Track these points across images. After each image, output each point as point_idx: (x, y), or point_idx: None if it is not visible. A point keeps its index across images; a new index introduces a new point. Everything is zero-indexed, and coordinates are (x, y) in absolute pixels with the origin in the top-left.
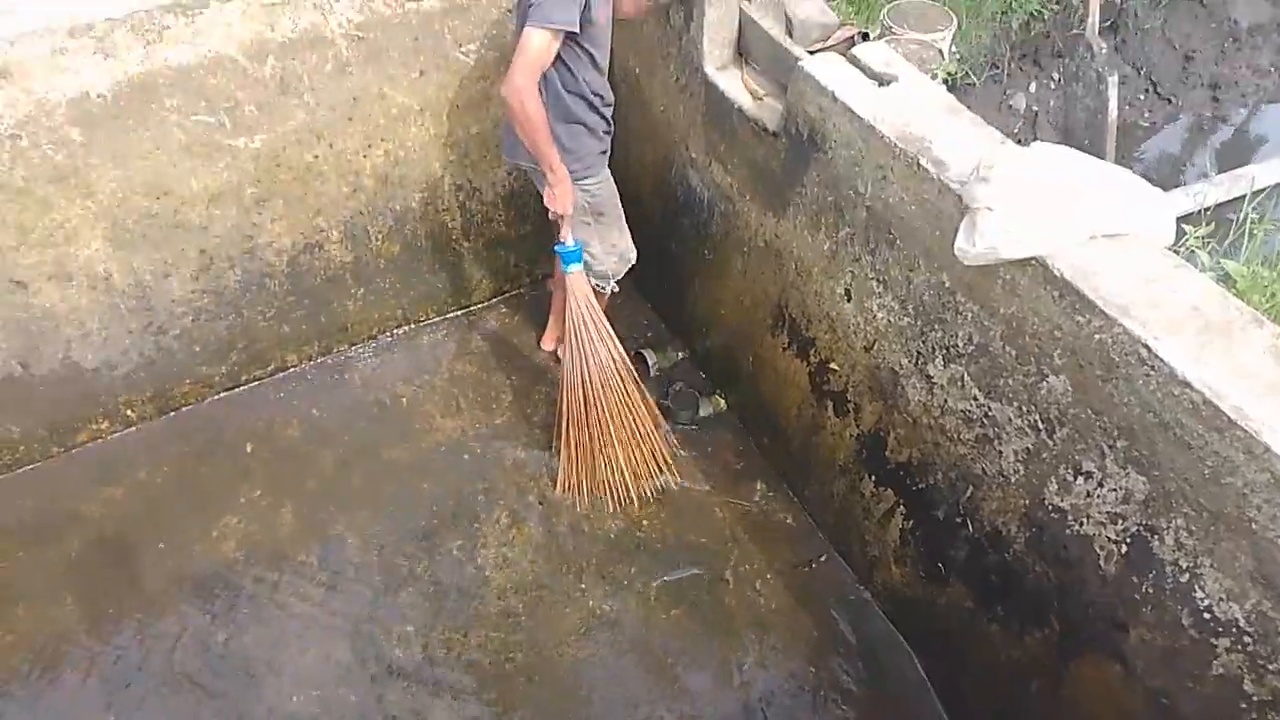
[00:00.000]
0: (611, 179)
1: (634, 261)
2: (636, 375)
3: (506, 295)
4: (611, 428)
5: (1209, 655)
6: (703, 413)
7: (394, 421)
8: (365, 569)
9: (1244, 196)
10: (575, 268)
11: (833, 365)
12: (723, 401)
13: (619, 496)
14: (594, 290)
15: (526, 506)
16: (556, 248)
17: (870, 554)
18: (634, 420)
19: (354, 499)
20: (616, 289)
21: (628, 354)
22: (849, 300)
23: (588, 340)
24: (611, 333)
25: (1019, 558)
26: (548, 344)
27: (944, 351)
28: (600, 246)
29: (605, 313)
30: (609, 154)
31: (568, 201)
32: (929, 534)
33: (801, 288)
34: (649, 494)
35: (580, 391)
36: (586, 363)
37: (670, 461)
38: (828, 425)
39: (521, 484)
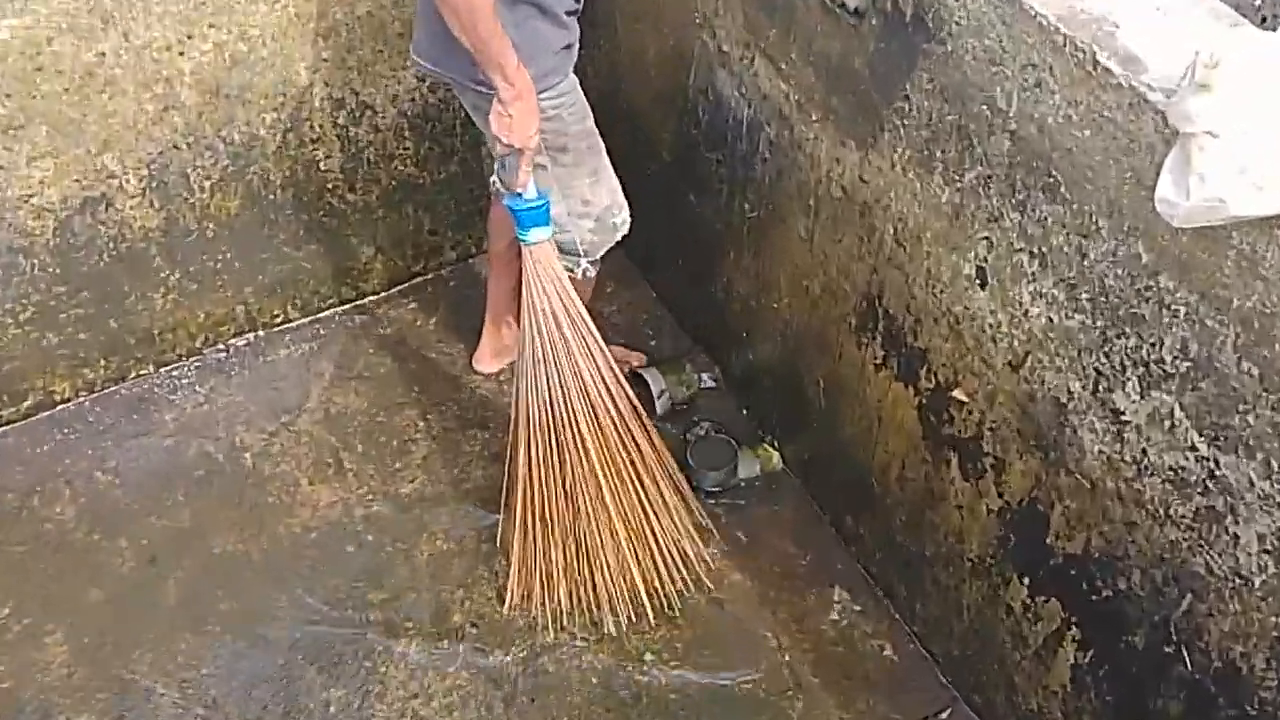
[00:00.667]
0: (581, 94)
1: (625, 228)
2: (639, 410)
3: (415, 282)
4: (598, 499)
5: None
6: (743, 473)
7: (232, 491)
8: None
9: None
10: (540, 235)
11: (958, 394)
12: (775, 454)
13: (609, 612)
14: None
15: (451, 634)
16: (509, 202)
17: (1024, 706)
18: (636, 486)
19: (167, 623)
20: (592, 272)
21: (622, 376)
22: (983, 286)
23: (557, 355)
24: (598, 342)
25: (1273, 714)
26: (485, 363)
27: (1140, 371)
28: (565, 204)
29: (587, 310)
30: (576, 52)
31: (530, 127)
32: (1119, 673)
33: (905, 266)
34: (660, 606)
35: (545, 439)
36: (555, 392)
37: (696, 553)
38: (950, 493)
39: (443, 596)
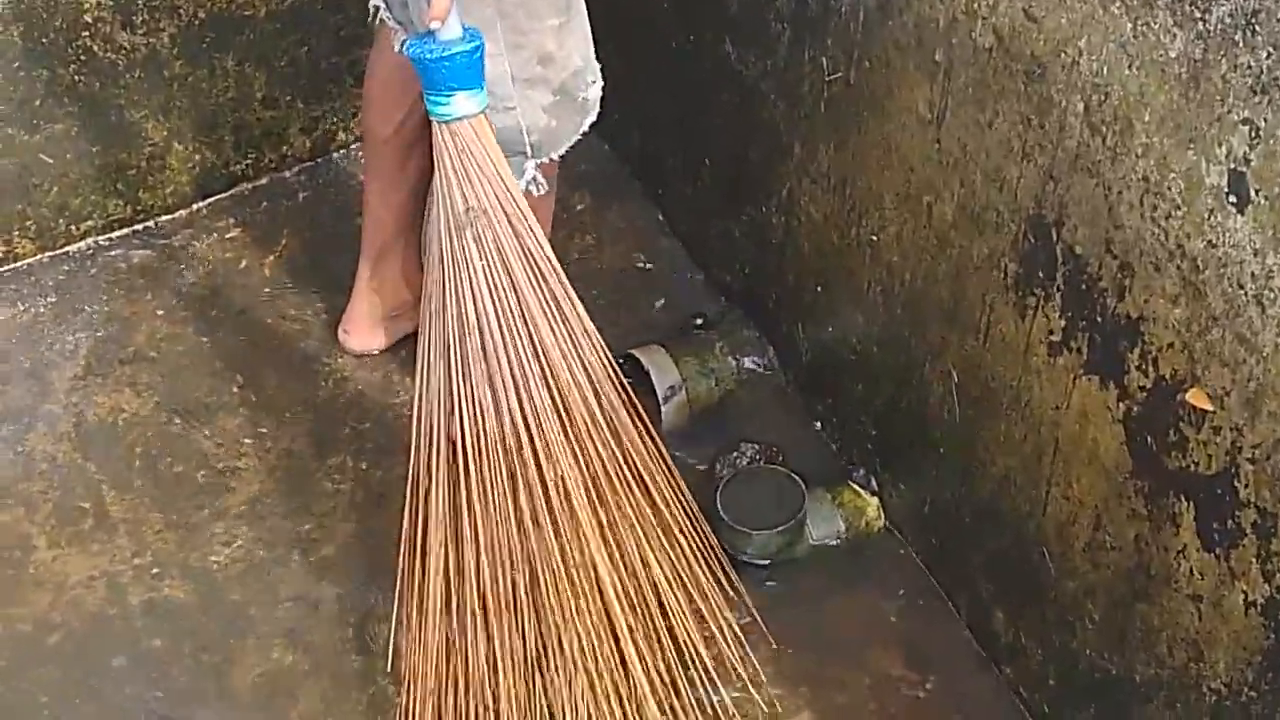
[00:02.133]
0: None
1: (596, 108)
2: (640, 424)
3: (237, 192)
4: (570, 590)
5: None
6: (817, 534)
7: None
8: None
9: None
10: (467, 106)
11: (1195, 398)
12: (872, 502)
13: None
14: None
15: None
16: (411, 47)
17: None
18: (632, 562)
19: None
20: (544, 185)
21: (611, 358)
22: (1241, 207)
23: (495, 326)
24: (569, 303)
25: None
26: (359, 336)
27: None
28: (510, 61)
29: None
30: None
31: None
32: None
33: (1104, 171)
34: None
35: (472, 478)
36: (492, 395)
37: (733, 678)
38: (1180, 574)
39: None
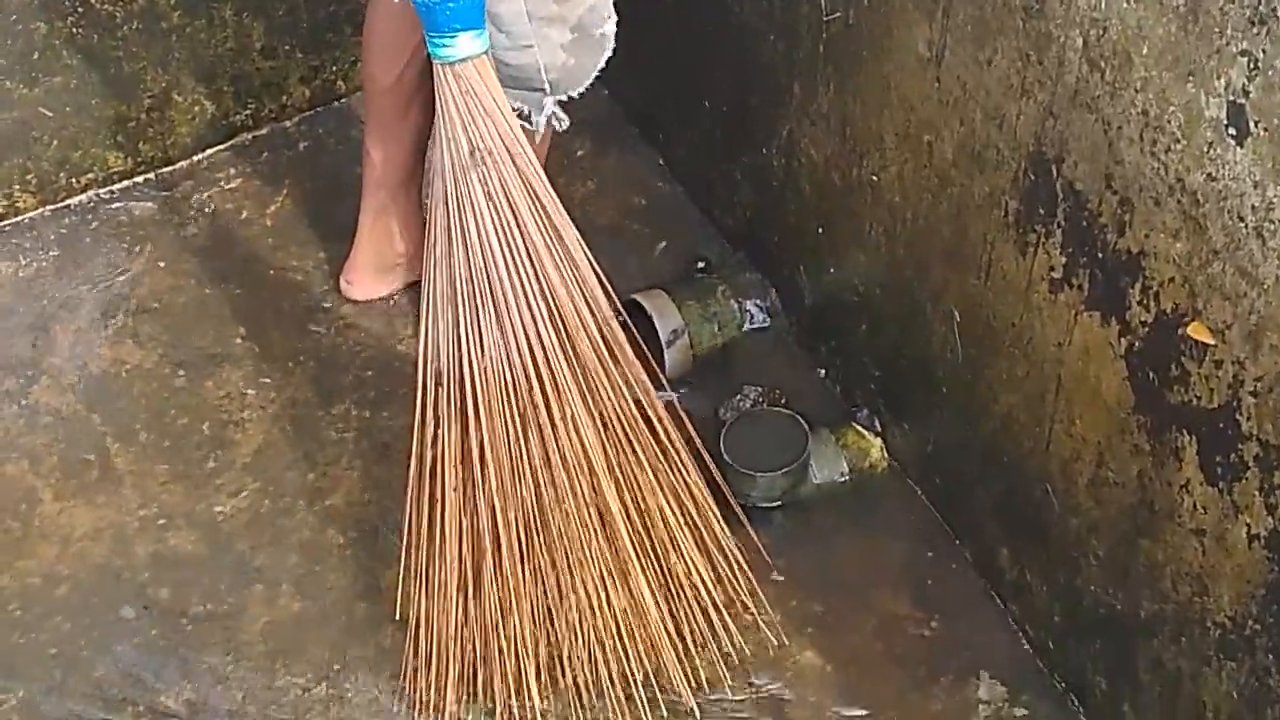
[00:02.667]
0: None
1: (611, 44)
2: (643, 367)
3: (237, 142)
4: (579, 530)
5: None
6: (821, 475)
7: None
8: None
9: None
10: (470, 46)
11: (1196, 332)
12: (875, 443)
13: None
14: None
15: None
16: None
17: None
18: (637, 505)
19: None
20: (565, 122)
21: (614, 307)
22: (1240, 139)
23: (500, 272)
24: (574, 246)
25: None
26: (361, 284)
27: None
28: (527, 1)
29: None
30: None
31: None
32: None
33: (1103, 106)
34: (677, 702)
35: (480, 423)
36: (499, 341)
37: (738, 620)
38: (1183, 508)
39: (292, 700)
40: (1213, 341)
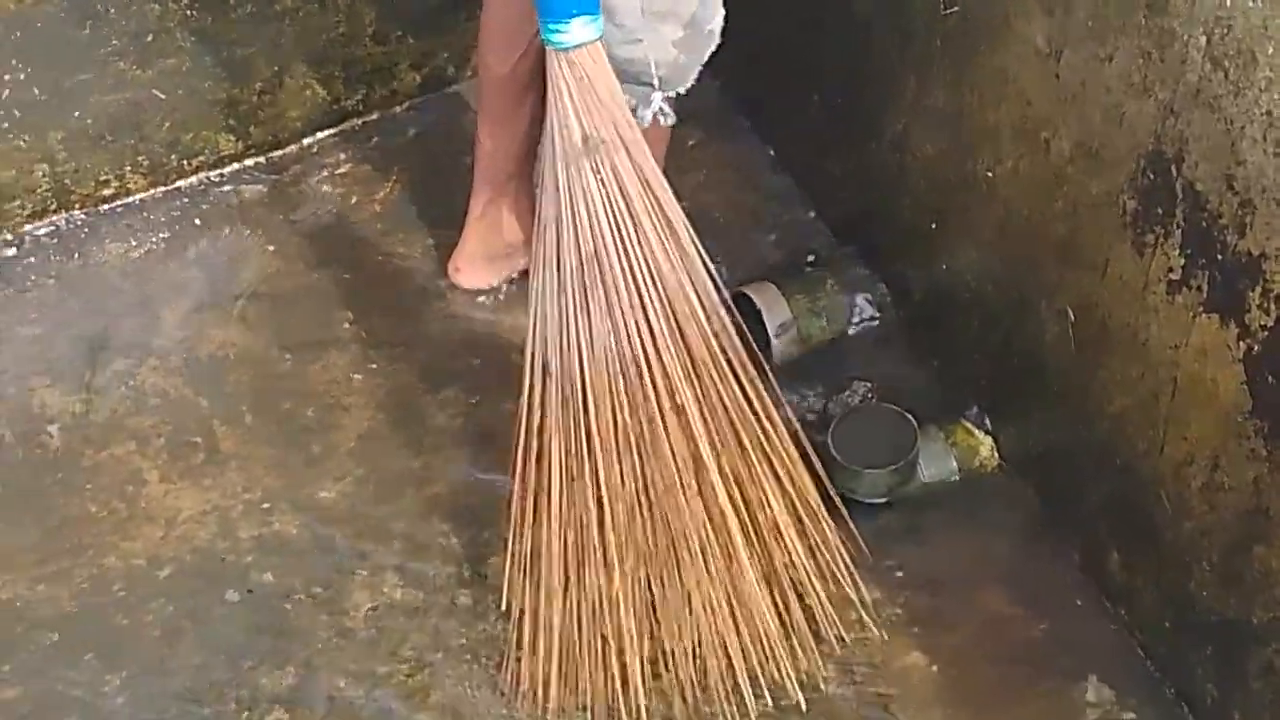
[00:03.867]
0: None
1: (718, 38)
2: (752, 361)
3: (347, 127)
4: (690, 522)
5: None
6: (930, 473)
7: (23, 491)
8: None
9: None
10: (584, 33)
11: None
12: (986, 441)
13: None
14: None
15: None
16: None
17: None
18: (742, 498)
19: None
20: (671, 118)
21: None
22: None
23: (611, 262)
24: (687, 239)
25: None
26: (470, 273)
27: None
28: None
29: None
30: None
31: None
32: None
33: (1226, 105)
34: (781, 697)
35: (589, 413)
36: (609, 331)
37: (842, 617)
38: None
39: (393, 686)
40: None
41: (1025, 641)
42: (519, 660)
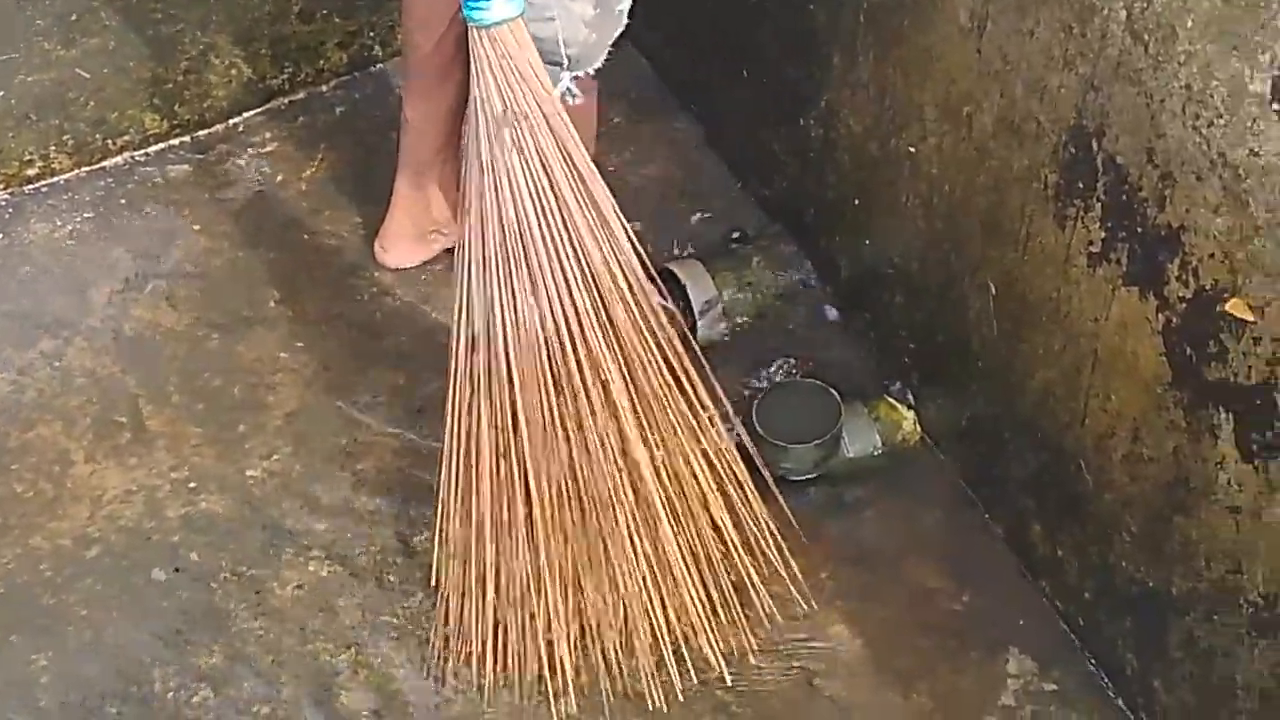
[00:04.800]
0: None
1: (625, 17)
2: (679, 333)
3: (274, 106)
4: (604, 482)
5: None
6: (854, 448)
7: None
8: None
9: None
10: (504, 9)
11: (1235, 308)
12: (909, 416)
13: (614, 695)
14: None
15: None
16: None
17: None
18: (668, 473)
19: None
20: (579, 96)
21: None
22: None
23: (536, 237)
24: (612, 215)
25: None
26: (397, 252)
27: None
28: None
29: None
30: None
31: None
32: None
33: (1146, 79)
34: (707, 684)
35: (514, 389)
36: (533, 308)
37: (769, 591)
38: (1220, 485)
39: (320, 661)
40: (1252, 318)
41: (949, 614)
42: (447, 638)
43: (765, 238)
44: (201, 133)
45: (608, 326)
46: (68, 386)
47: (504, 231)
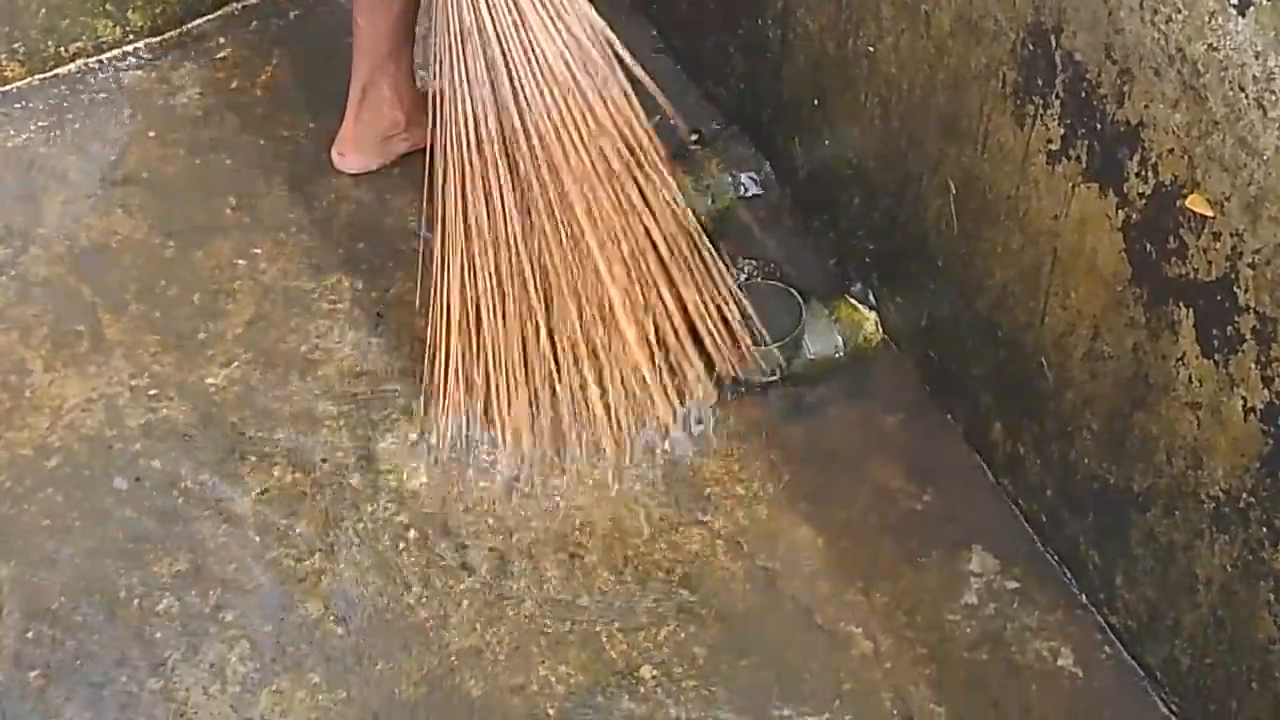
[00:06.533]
0: None
1: None
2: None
3: (227, 10)
4: (566, 255)
5: None
6: (815, 348)
7: None
8: None
9: None
10: None
11: (1194, 204)
12: (870, 316)
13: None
14: None
15: (298, 628)
16: None
17: None
18: (633, 246)
19: None
20: None
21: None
22: (1243, 9)
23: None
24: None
25: None
26: (356, 155)
27: None
28: None
29: None
30: None
31: None
32: None
33: None
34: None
35: (490, 177)
36: (509, 94)
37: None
38: (1179, 381)
39: (283, 593)
40: (1211, 213)
41: (911, 514)
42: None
43: (723, 140)
44: (155, 39)
45: (563, 115)
46: (24, 296)
47: (469, 66)
